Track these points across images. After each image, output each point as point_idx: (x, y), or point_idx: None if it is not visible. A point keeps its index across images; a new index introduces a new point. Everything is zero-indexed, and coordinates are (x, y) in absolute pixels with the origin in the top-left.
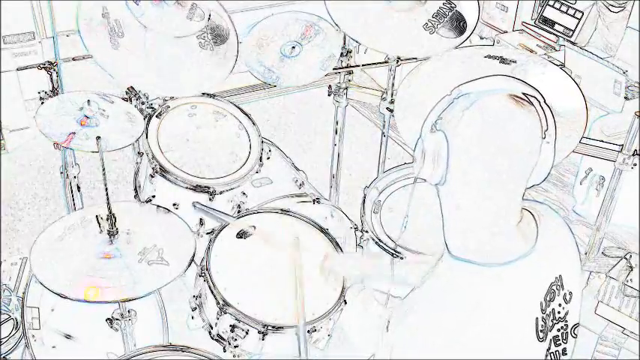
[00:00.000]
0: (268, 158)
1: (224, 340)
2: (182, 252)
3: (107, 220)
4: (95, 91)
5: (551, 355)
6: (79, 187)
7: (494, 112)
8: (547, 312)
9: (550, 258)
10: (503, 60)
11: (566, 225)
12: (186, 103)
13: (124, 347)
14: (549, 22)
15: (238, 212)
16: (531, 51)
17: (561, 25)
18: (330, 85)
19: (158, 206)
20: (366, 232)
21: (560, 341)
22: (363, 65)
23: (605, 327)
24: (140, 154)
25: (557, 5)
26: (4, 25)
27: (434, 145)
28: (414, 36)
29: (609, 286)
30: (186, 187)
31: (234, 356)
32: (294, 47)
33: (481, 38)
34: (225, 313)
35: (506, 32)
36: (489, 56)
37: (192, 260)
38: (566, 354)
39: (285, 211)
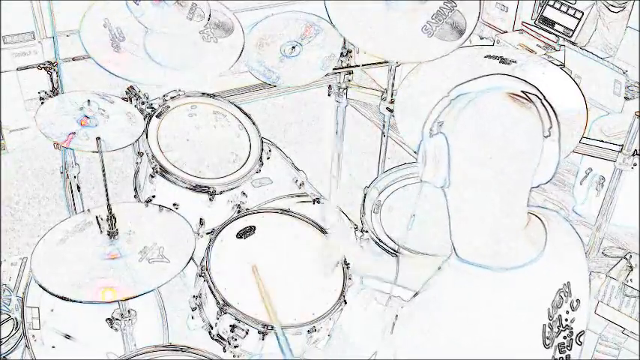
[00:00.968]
0: (268, 158)
1: (224, 340)
2: (183, 251)
3: (107, 220)
4: (95, 91)
5: None
6: (79, 187)
7: (493, 112)
8: (554, 318)
9: (558, 264)
10: (503, 60)
11: (575, 232)
12: (186, 103)
13: (124, 347)
14: (549, 22)
15: (238, 212)
16: (531, 51)
17: (561, 25)
18: (330, 85)
19: (160, 206)
20: (366, 232)
21: (565, 348)
22: (363, 65)
23: (605, 327)
24: (140, 154)
25: (557, 5)
26: (4, 25)
27: (434, 148)
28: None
29: (609, 286)
30: (186, 187)
31: (234, 356)
32: (294, 47)
33: (481, 38)
34: (225, 313)
35: (506, 32)
36: (489, 56)
37: (191, 258)
38: None
39: (285, 211)
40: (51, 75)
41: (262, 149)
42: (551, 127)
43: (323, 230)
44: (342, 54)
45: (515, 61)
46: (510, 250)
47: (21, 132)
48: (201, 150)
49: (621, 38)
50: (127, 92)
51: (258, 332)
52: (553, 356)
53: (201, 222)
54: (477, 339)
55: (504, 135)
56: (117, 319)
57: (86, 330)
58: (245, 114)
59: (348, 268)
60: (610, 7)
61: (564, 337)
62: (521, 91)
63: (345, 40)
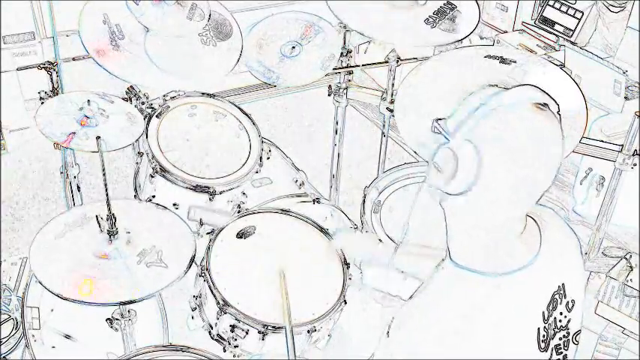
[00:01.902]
0: (268, 158)
1: (224, 340)
2: (182, 253)
3: (107, 220)
4: (95, 91)
5: None
6: (79, 187)
7: (520, 122)
8: (549, 321)
9: (553, 267)
10: (503, 60)
11: (571, 231)
12: (186, 103)
13: (124, 347)
14: (549, 22)
15: (238, 212)
16: (531, 51)
17: (561, 25)
18: (330, 85)
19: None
20: (366, 232)
21: (562, 349)
22: (363, 65)
23: (605, 327)
24: (140, 154)
25: (557, 5)
26: (4, 25)
27: (466, 155)
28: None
29: (609, 286)
30: (186, 187)
31: (234, 356)
32: (294, 47)
33: (481, 38)
34: (225, 313)
35: (506, 32)
36: (489, 56)
37: (191, 263)
38: None
39: (285, 211)
40: (51, 75)
41: (262, 149)
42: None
43: (323, 230)
44: (341, 54)
45: (515, 61)
46: (506, 255)
47: (21, 132)
48: (201, 150)
49: (621, 38)
50: (127, 92)
51: (258, 332)
52: (550, 359)
53: (202, 222)
54: (472, 342)
55: (531, 144)
56: (117, 319)
57: (86, 330)
58: (245, 114)
59: (348, 268)
60: (610, 7)
61: (560, 339)
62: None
63: (345, 40)
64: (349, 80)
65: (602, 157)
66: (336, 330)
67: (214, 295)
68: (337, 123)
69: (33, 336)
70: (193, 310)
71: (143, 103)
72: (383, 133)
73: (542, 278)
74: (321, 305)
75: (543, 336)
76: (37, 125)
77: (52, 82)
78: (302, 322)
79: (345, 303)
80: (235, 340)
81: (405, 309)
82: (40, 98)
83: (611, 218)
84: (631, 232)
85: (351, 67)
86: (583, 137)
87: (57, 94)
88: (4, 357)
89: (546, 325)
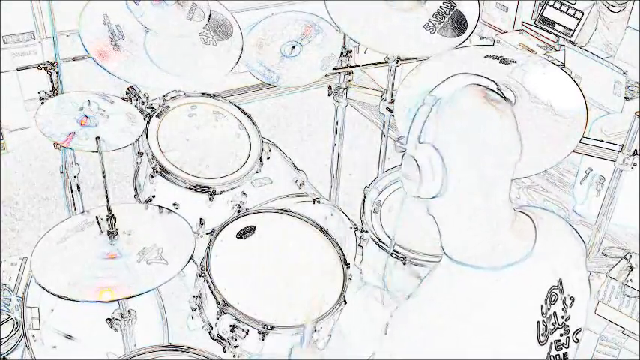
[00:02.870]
0: (268, 158)
1: (224, 340)
2: (182, 251)
3: (107, 220)
4: (95, 91)
5: (552, 358)
6: (79, 187)
7: (470, 114)
8: (547, 315)
9: (549, 261)
10: (503, 60)
11: (572, 230)
12: (186, 103)
13: (124, 347)
14: (549, 22)
15: (238, 212)
16: (531, 51)
17: (561, 25)
18: (330, 85)
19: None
20: (366, 232)
21: (562, 346)
22: (363, 65)
23: (605, 327)
24: (140, 154)
25: (557, 5)
26: (4, 25)
27: (428, 159)
28: (415, 35)
29: (609, 286)
30: (186, 187)
31: (234, 356)
32: (294, 47)
33: (481, 38)
34: (225, 313)
35: (506, 32)
36: (489, 56)
37: (190, 259)
38: (567, 359)
39: (285, 211)
40: (51, 75)
41: (262, 149)
42: None
43: (323, 230)
44: (341, 54)
45: (515, 61)
46: (499, 248)
47: (21, 132)
48: (201, 150)
49: (621, 38)
50: (127, 92)
51: (258, 332)
52: (548, 353)
53: (201, 222)
54: (472, 337)
55: (485, 135)
56: (117, 319)
57: (86, 330)
58: (245, 114)
59: (348, 268)
60: (610, 7)
61: (560, 335)
62: (495, 89)
63: (345, 40)
64: (349, 80)
65: (602, 157)
66: (336, 330)
67: (214, 295)
68: (337, 123)
69: (33, 336)
70: (193, 310)
71: (143, 103)
72: (383, 133)
73: (538, 272)
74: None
75: (542, 329)
76: (37, 125)
77: (52, 82)
78: (302, 322)
79: (345, 303)
80: (235, 340)
81: (404, 307)
82: (40, 98)
83: (611, 218)
84: (631, 232)
85: (351, 67)
86: (583, 137)
87: (57, 94)
88: (4, 357)
89: (545, 319)
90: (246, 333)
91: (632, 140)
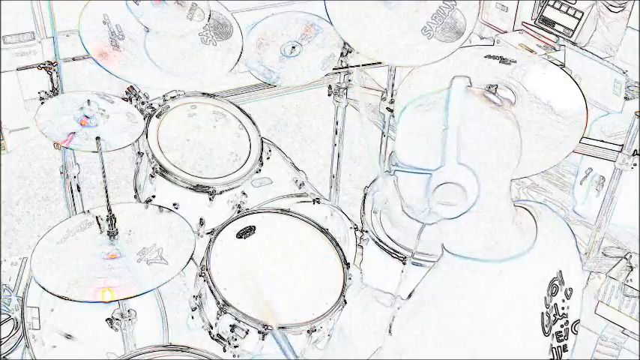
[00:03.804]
0: (268, 158)
1: (224, 340)
2: (182, 251)
3: (107, 220)
4: (95, 91)
5: (554, 350)
6: (79, 187)
7: (474, 115)
8: (550, 306)
9: (550, 254)
10: (503, 60)
11: (565, 223)
12: (186, 103)
13: (124, 347)
14: (549, 22)
15: (238, 212)
16: (531, 51)
17: (561, 25)
18: (330, 85)
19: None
20: (366, 232)
21: (562, 337)
22: (363, 65)
23: (605, 327)
24: (140, 154)
25: (557, 5)
26: (4, 25)
27: (461, 179)
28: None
29: (609, 286)
30: (186, 187)
31: (234, 356)
32: (294, 47)
33: (481, 38)
34: (225, 313)
35: (506, 32)
36: (489, 56)
37: (190, 259)
38: (566, 350)
39: (285, 211)
40: (51, 75)
41: (262, 149)
42: None
43: (323, 230)
44: (341, 54)
45: (515, 61)
46: (502, 241)
47: (21, 132)
48: (201, 150)
49: (621, 38)
50: (127, 92)
51: (258, 332)
52: (551, 344)
53: (201, 222)
54: (478, 332)
55: (490, 134)
56: (117, 319)
57: (86, 330)
58: (245, 114)
59: (348, 268)
60: (610, 7)
61: (561, 326)
62: (492, 90)
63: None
64: (349, 80)
65: (602, 157)
66: (336, 330)
67: (214, 295)
68: (337, 123)
69: (33, 336)
70: (193, 310)
71: (143, 103)
72: (383, 133)
73: (540, 264)
74: (321, 305)
75: (546, 321)
76: (37, 125)
77: (52, 82)
78: (302, 322)
79: (345, 303)
80: (235, 340)
81: (407, 305)
82: (40, 98)
83: (611, 218)
84: (631, 232)
85: (351, 67)
86: (583, 137)
87: (57, 94)
88: (4, 357)
89: (548, 310)
90: (246, 333)
91: (632, 140)
